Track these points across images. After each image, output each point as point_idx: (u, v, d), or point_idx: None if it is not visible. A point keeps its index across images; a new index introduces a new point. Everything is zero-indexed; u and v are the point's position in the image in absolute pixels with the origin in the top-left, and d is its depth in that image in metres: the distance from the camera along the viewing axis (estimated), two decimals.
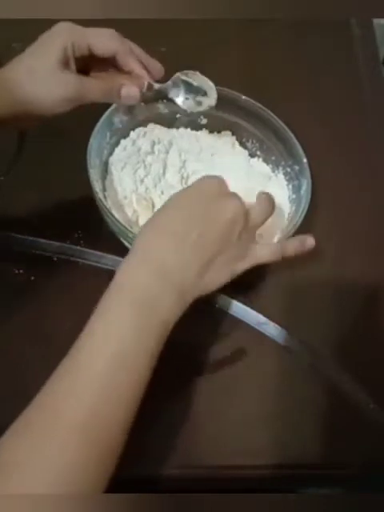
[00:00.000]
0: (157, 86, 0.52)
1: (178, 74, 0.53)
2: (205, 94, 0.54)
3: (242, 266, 0.46)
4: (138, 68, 0.50)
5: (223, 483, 0.48)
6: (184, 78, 0.53)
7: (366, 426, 0.49)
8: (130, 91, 0.50)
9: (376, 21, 0.75)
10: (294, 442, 0.48)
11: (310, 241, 0.49)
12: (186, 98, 0.53)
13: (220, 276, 0.45)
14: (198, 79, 0.53)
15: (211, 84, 0.54)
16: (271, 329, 0.52)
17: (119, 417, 0.38)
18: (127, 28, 0.65)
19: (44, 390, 0.38)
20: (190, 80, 0.53)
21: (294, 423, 0.49)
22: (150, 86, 0.51)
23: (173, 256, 0.42)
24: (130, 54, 0.50)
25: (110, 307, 0.41)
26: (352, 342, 0.53)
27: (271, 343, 0.52)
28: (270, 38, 0.71)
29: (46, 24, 0.50)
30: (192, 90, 0.53)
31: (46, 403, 0.38)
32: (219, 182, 0.46)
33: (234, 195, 0.46)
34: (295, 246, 0.48)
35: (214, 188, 0.45)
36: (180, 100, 0.53)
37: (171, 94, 0.53)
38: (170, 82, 0.53)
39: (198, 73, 0.54)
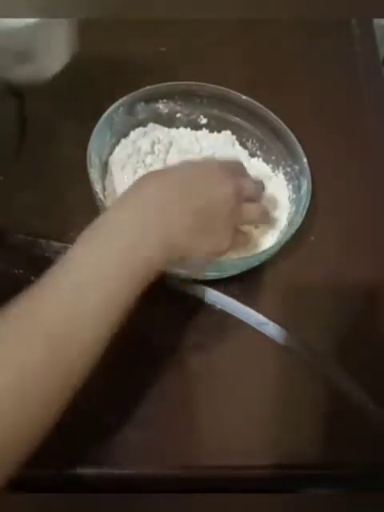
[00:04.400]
0: None
1: None
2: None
3: (226, 244, 0.47)
4: None
5: (223, 483, 0.48)
6: None
7: (366, 426, 0.49)
8: None
9: (376, 21, 0.75)
10: (294, 442, 0.48)
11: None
12: None
13: (204, 243, 0.45)
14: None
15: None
16: (271, 329, 0.52)
17: (87, 337, 0.38)
18: (127, 28, 0.65)
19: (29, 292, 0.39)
20: None
21: (294, 423, 0.49)
22: None
23: (160, 194, 0.43)
24: None
25: (93, 237, 0.41)
26: (352, 342, 0.53)
27: (271, 343, 0.52)
28: (270, 38, 0.71)
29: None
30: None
31: (24, 302, 0.38)
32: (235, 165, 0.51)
33: (245, 179, 0.50)
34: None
35: (228, 166, 0.49)
36: None
37: None
38: None
39: None
